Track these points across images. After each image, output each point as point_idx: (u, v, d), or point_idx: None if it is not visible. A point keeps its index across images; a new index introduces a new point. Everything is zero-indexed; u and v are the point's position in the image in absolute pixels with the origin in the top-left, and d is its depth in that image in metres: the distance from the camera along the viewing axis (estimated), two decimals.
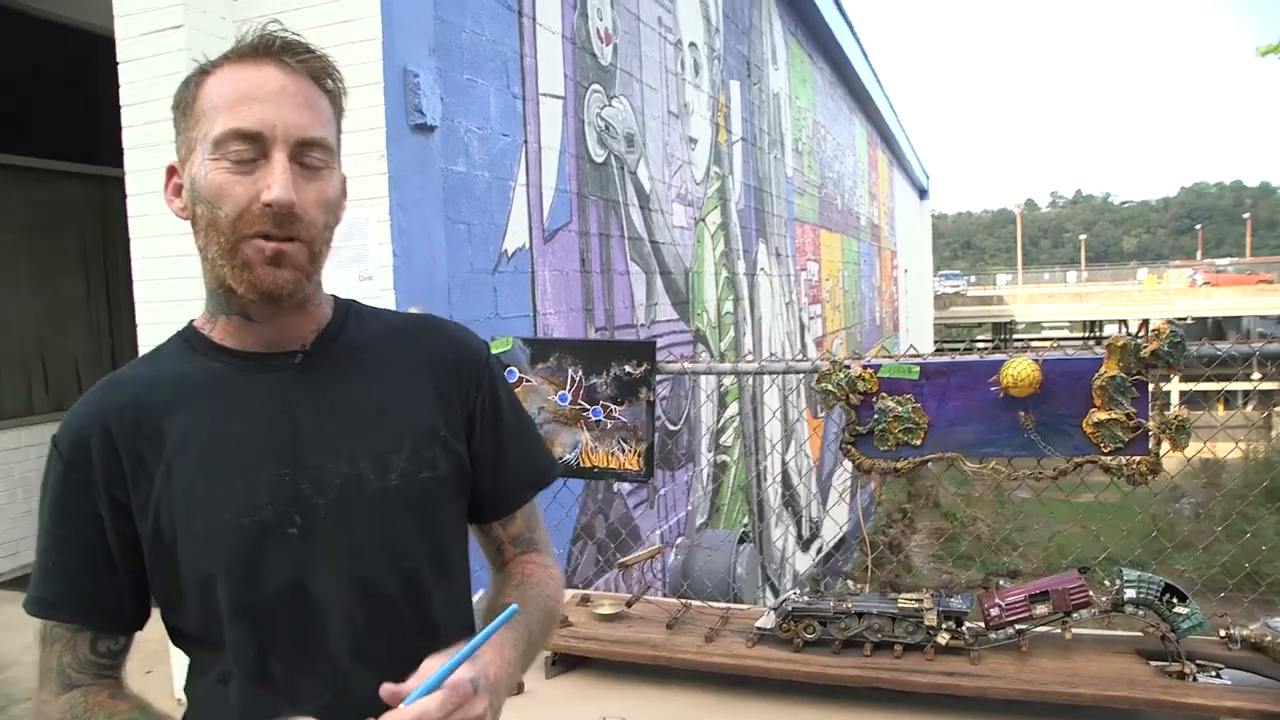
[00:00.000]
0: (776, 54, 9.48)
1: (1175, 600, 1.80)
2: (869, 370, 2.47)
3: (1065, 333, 45.87)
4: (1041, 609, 1.81)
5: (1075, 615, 1.81)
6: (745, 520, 7.54)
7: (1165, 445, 2.37)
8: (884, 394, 2.47)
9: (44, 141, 6.06)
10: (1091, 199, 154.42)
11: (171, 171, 1.14)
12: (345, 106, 1.18)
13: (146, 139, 3.19)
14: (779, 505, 8.78)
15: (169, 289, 3.21)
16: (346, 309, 1.24)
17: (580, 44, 4.84)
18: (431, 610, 1.16)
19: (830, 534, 11.08)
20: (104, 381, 1.18)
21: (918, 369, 2.46)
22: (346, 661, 1.09)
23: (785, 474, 9.12)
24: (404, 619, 1.13)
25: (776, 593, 7.97)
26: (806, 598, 1.89)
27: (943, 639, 1.80)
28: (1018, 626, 1.84)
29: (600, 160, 5.04)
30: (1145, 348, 2.34)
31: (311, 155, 1.09)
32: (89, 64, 6.30)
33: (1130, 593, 1.80)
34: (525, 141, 4.20)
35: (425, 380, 1.22)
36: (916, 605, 1.84)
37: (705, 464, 6.49)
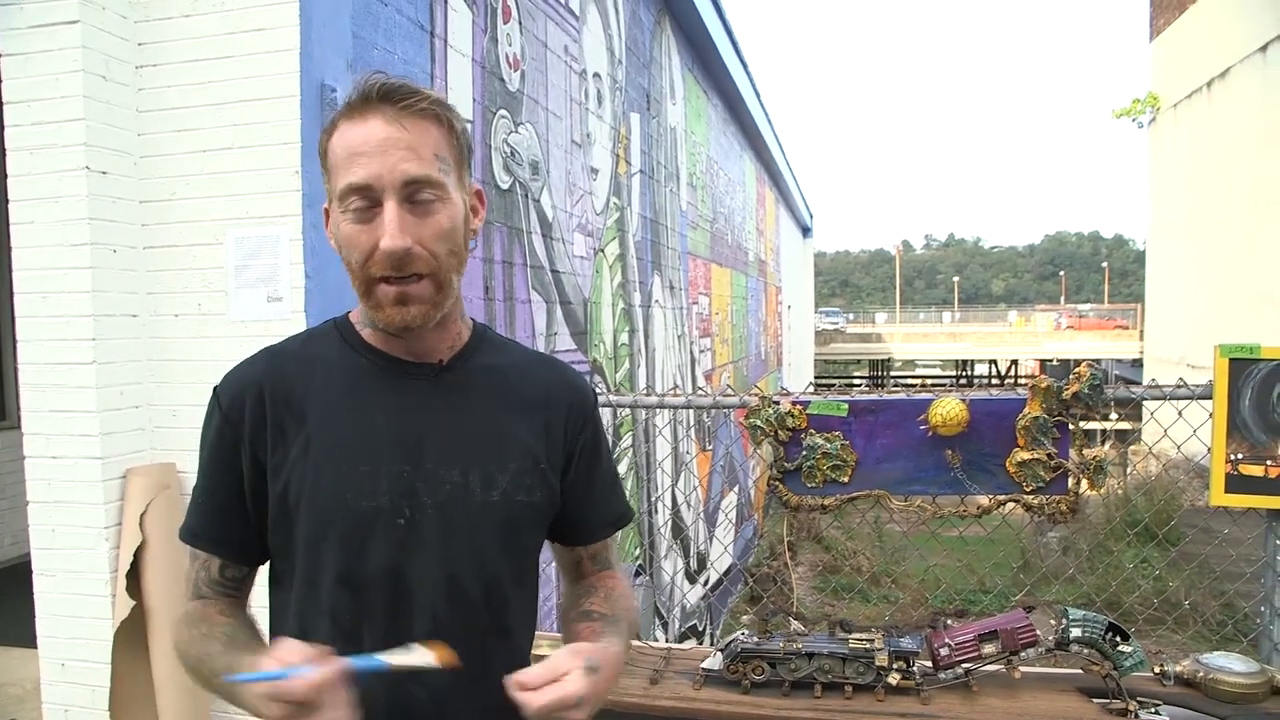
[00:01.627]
0: (675, 88, 9.57)
1: (1119, 639, 1.83)
2: (798, 406, 2.47)
3: (938, 370, 47.47)
4: (990, 648, 1.81)
5: (1022, 654, 1.82)
6: (637, 553, 7.50)
7: (1084, 484, 2.43)
8: (812, 430, 2.46)
9: None
10: (963, 243, 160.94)
11: (327, 213, 1.29)
12: (460, 126, 1.27)
13: (33, 141, 2.97)
14: (669, 538, 8.76)
15: (56, 303, 2.99)
16: (482, 335, 1.38)
17: (489, 68, 4.77)
18: (507, 615, 1.31)
19: (715, 567, 11.10)
20: (266, 351, 1.33)
21: (846, 406, 2.46)
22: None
23: (676, 506, 9.11)
24: (480, 618, 1.27)
25: (666, 627, 7.93)
26: (755, 638, 1.85)
27: (893, 679, 1.79)
28: (966, 666, 1.84)
29: (505, 187, 4.96)
30: (1067, 389, 2.39)
31: (421, 194, 1.20)
32: None
33: (1076, 631, 1.82)
34: None
35: (538, 414, 1.35)
36: (868, 646, 1.82)
37: None
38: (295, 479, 1.24)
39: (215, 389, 1.31)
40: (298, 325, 2.96)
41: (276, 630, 1.31)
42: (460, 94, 4.39)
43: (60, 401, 3.00)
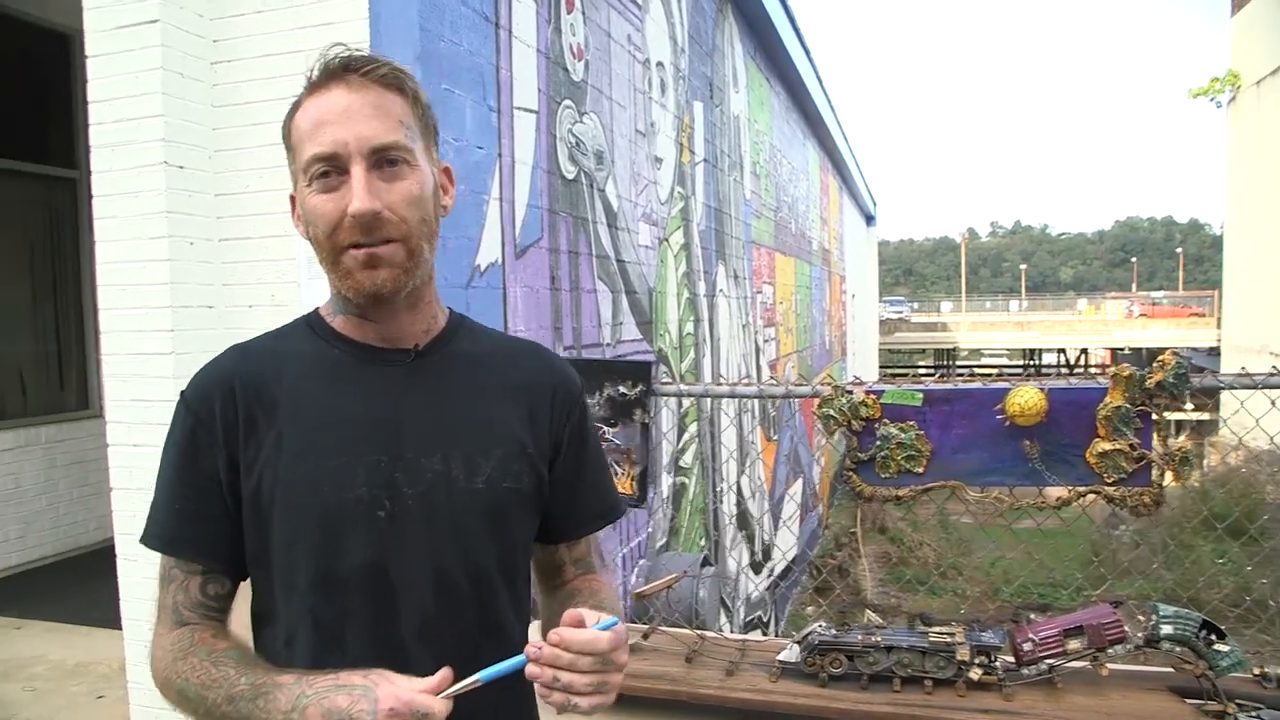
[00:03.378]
0: (737, 76, 9.51)
1: (1214, 637, 1.77)
2: (872, 396, 2.43)
3: (1005, 360, 46.70)
4: (1075, 644, 1.76)
5: (1109, 651, 1.77)
6: (703, 543, 7.48)
7: (1168, 476, 2.36)
8: (887, 420, 2.42)
9: None
10: (1030, 230, 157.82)
11: (293, 200, 1.25)
12: (425, 99, 1.25)
13: (115, 138, 3.04)
14: (733, 528, 8.73)
15: (136, 295, 3.06)
16: (459, 322, 1.33)
17: (554, 59, 4.77)
18: (498, 610, 1.24)
19: (780, 557, 11.05)
20: (232, 349, 1.27)
21: (921, 396, 2.42)
22: (412, 642, 1.17)
23: (740, 497, 9.08)
24: (469, 612, 1.21)
25: (731, 618, 7.91)
26: (833, 631, 1.82)
27: (975, 674, 1.75)
28: (1050, 662, 1.79)
29: (571, 177, 4.97)
30: (1150, 378, 2.32)
31: (389, 160, 1.16)
32: (37, 60, 6.10)
33: (1167, 629, 1.76)
34: (500, 155, 4.12)
35: (522, 400, 1.30)
36: (949, 639, 1.79)
37: (665, 486, 6.42)
38: (268, 476, 1.17)
39: (182, 391, 1.24)
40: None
41: (258, 644, 1.24)
42: (525, 84, 4.40)
43: (140, 391, 3.07)
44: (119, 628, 3.21)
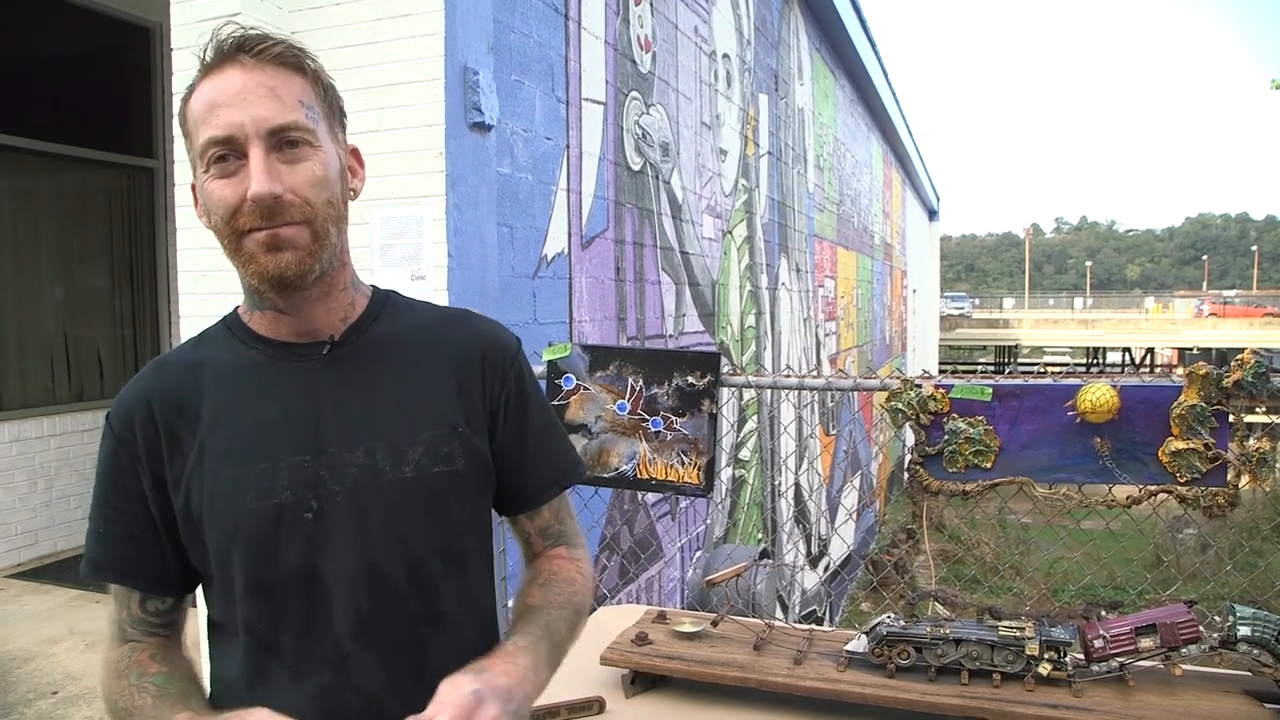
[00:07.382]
0: (802, 69, 9.46)
1: None
2: (941, 390, 2.42)
3: (1067, 358, 45.88)
4: (1147, 642, 1.74)
5: (1183, 651, 1.75)
6: (760, 536, 7.49)
7: (1245, 478, 2.32)
8: (955, 415, 2.41)
9: (70, 128, 6.01)
10: (1096, 226, 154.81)
11: (194, 190, 1.20)
12: (327, 80, 1.22)
13: None
14: (790, 522, 8.72)
15: (214, 281, 3.14)
16: (384, 300, 1.29)
17: (622, 50, 4.80)
18: (439, 601, 1.21)
19: (837, 552, 11.00)
20: (153, 363, 1.26)
21: (991, 391, 2.40)
22: (349, 643, 1.15)
23: (797, 491, 9.06)
24: (408, 607, 1.18)
25: (786, 610, 7.90)
26: (902, 622, 1.83)
27: (1044, 669, 1.74)
28: (1121, 660, 1.78)
29: (637, 168, 4.99)
30: (1227, 377, 2.29)
31: (289, 141, 1.13)
32: (119, 52, 6.28)
33: (1244, 630, 1.74)
34: (567, 146, 4.16)
35: (449, 374, 1.25)
36: (1018, 634, 1.78)
37: (725, 478, 6.43)
38: (194, 489, 1.16)
39: (107, 414, 1.22)
40: (440, 303, 3.04)
41: (214, 653, 1.25)
42: (593, 76, 4.43)
43: None
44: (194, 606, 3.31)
